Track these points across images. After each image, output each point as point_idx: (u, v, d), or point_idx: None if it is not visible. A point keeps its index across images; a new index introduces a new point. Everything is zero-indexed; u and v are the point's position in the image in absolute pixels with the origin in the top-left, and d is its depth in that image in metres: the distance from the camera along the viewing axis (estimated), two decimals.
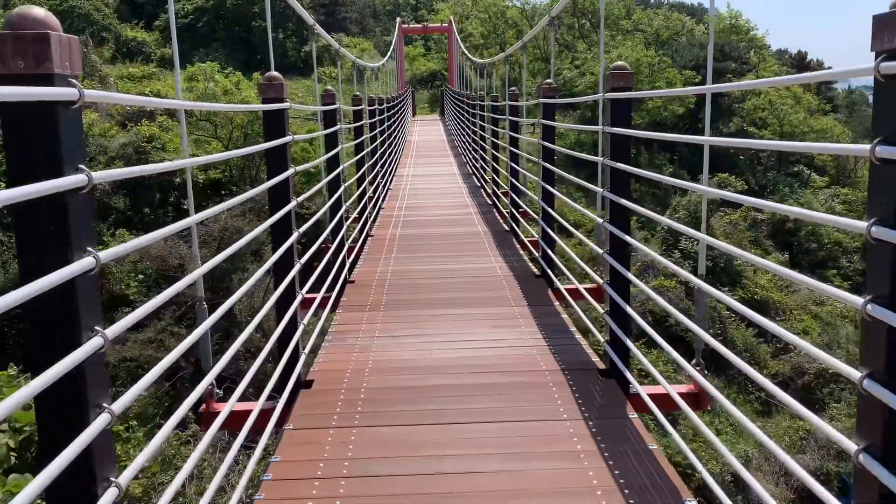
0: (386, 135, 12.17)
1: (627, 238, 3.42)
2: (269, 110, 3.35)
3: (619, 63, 3.46)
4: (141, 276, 14.17)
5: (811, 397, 16.73)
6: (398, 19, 36.99)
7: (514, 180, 7.87)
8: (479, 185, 12.01)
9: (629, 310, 3.32)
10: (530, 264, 6.28)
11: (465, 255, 6.71)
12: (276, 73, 3.43)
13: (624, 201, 3.41)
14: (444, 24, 38.25)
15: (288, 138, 3.38)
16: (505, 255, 6.61)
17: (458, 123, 19.64)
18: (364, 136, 8.04)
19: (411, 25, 43.96)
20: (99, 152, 16.82)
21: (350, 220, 6.30)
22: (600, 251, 3.66)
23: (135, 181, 16.97)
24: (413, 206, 10.10)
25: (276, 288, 3.23)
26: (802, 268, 25.65)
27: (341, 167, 6.04)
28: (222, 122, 21.57)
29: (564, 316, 4.57)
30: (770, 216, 26.46)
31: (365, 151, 7.84)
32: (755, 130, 32.04)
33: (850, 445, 1.57)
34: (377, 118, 10.26)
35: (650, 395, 3.01)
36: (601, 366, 3.74)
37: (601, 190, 3.71)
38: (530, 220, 7.40)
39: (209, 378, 2.33)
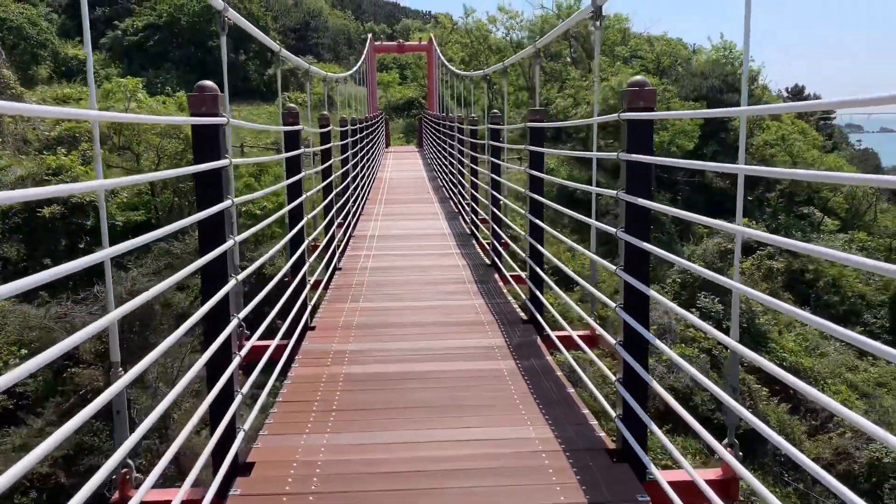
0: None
1: (541, 224, 5.89)
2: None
3: (543, 104, 5.70)
4: (24, 352, 12.88)
5: (859, 488, 15.97)
6: (370, 35, 38.94)
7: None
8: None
9: (542, 274, 5.64)
10: None
11: None
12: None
13: (538, 197, 5.85)
14: (422, 43, 41.02)
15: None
16: None
17: (440, 157, 19.29)
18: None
19: (385, 43, 46.82)
20: None
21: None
22: (522, 234, 5.97)
23: (34, 224, 16.61)
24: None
25: (290, 257, 5.36)
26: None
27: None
28: (146, 150, 22.24)
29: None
30: (786, 264, 28.00)
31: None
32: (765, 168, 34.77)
33: (611, 303, 3.65)
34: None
35: (558, 337, 5.13)
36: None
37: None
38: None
39: (241, 315, 4.32)
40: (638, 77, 3.57)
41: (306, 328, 6.01)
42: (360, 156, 13.39)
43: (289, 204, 5.76)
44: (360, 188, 13.30)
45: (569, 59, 39.57)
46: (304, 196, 5.87)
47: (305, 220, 5.94)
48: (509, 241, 7.66)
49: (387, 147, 34.42)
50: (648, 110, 3.51)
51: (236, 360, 3.58)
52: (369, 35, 36.91)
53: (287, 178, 5.79)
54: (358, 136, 12.43)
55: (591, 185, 5.01)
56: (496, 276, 8.08)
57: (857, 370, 22.93)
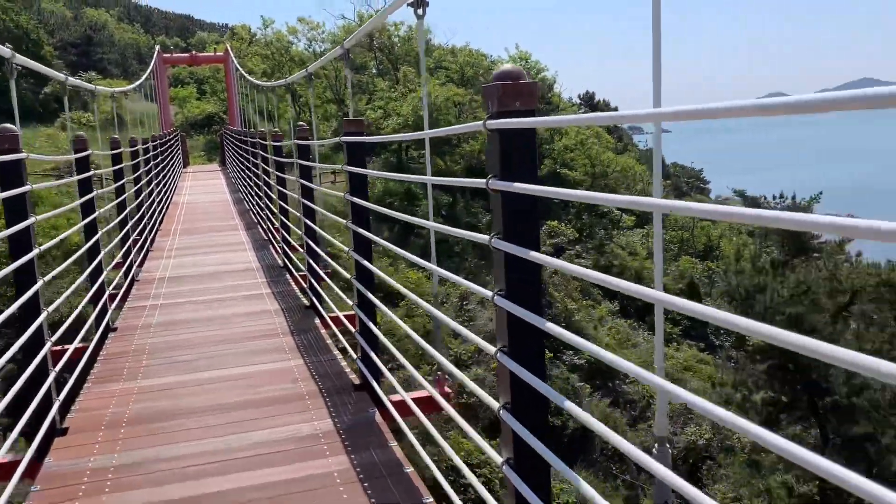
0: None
1: (370, 266, 4.54)
2: None
3: (356, 115, 4.46)
4: None
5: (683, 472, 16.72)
6: (157, 47, 35.61)
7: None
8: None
9: (376, 330, 4.45)
10: None
11: None
12: None
13: (364, 232, 4.53)
14: (218, 55, 38.29)
15: None
16: None
17: (245, 176, 17.08)
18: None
19: (176, 55, 43.26)
20: None
21: None
22: (349, 276, 4.76)
23: None
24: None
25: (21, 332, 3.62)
26: (628, 314, 27.81)
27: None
28: None
29: None
30: (594, 261, 28.64)
31: None
32: (568, 172, 35.91)
33: (494, 403, 2.39)
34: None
35: (394, 403, 3.93)
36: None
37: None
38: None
39: None
40: (508, 66, 2.34)
41: (53, 433, 4.22)
42: (145, 181, 11.36)
43: (12, 262, 4.03)
44: (147, 218, 11.13)
45: (374, 71, 38.64)
46: (34, 251, 4.12)
47: (41, 283, 4.19)
48: (328, 280, 6.26)
49: (185, 167, 31.61)
50: (529, 114, 2.29)
51: (47, 345, 2.07)
52: (157, 47, 33.75)
53: (8, 227, 4.03)
54: (140, 157, 10.42)
55: (427, 218, 3.82)
56: (316, 321, 6.63)
57: (666, 357, 24.03)
